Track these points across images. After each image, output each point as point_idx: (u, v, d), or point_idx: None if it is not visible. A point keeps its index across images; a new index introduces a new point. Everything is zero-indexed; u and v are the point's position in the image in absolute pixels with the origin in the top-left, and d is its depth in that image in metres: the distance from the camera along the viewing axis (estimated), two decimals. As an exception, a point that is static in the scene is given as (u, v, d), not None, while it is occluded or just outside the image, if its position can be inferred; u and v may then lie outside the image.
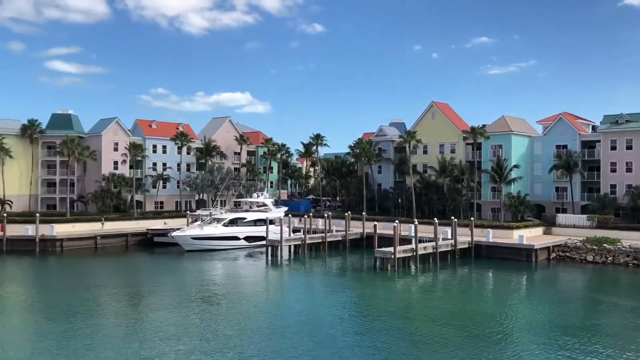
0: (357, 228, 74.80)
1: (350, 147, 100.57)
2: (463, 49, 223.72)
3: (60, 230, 71.15)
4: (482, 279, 54.53)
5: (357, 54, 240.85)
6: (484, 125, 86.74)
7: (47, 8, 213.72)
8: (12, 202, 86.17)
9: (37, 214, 73.70)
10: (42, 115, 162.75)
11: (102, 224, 76.34)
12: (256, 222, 74.34)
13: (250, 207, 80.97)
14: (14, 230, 69.74)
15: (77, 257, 65.32)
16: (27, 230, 69.52)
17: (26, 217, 75.90)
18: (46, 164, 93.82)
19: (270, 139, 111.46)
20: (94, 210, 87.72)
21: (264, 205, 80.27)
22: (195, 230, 71.93)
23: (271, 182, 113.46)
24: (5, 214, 74.36)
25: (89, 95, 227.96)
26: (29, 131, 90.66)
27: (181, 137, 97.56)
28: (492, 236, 64.61)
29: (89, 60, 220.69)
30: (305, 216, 72.93)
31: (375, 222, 66.15)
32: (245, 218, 74.87)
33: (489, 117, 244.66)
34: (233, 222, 73.47)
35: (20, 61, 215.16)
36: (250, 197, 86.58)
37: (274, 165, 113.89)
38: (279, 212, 78.35)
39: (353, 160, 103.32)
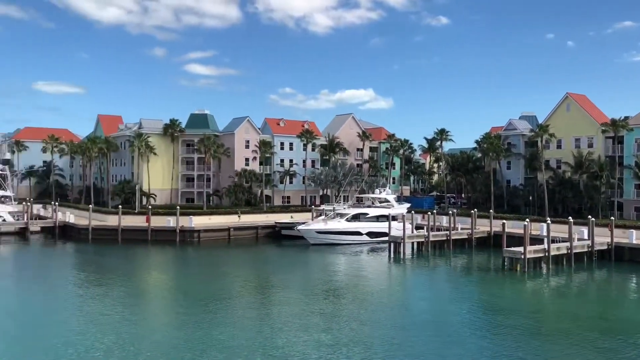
0: (483, 226, 72.25)
1: (477, 141, 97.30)
2: (603, 35, 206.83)
3: (198, 222, 76.37)
4: (624, 284, 50.20)
5: (484, 45, 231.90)
6: (626, 117, 79.70)
7: (186, 15, 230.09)
8: (155, 196, 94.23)
9: (178, 207, 79.81)
10: (182, 115, 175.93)
11: (239, 216, 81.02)
12: (378, 218, 74.61)
13: (373, 203, 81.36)
14: (158, 221, 76.11)
15: (213, 248, 69.91)
16: (169, 221, 75.54)
17: (168, 210, 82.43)
18: (185, 160, 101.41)
19: (393, 135, 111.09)
20: (228, 203, 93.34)
21: (387, 201, 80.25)
22: (320, 224, 73.81)
23: (393, 178, 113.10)
24: (150, 207, 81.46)
25: (223, 96, 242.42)
26: (171, 130, 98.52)
27: (306, 135, 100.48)
28: (636, 237, 59.23)
29: (223, 63, 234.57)
30: (429, 213, 71.88)
31: (504, 221, 63.47)
32: (367, 214, 75.45)
33: (632, 108, 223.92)
34: (356, 218, 74.35)
35: (162, 66, 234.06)
36: (373, 193, 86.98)
37: (397, 161, 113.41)
38: (402, 209, 77.94)
39: (480, 155, 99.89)
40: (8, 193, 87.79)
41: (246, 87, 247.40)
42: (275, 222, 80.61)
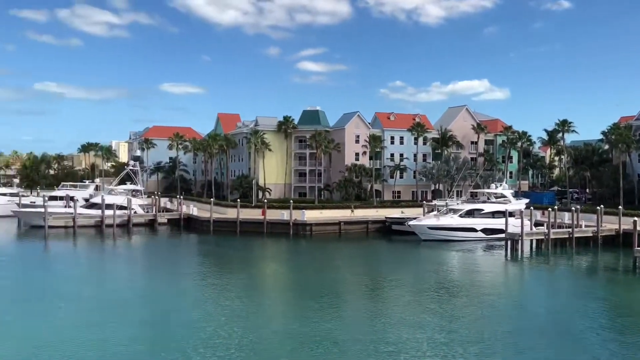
0: (611, 224, 67.06)
1: (603, 133, 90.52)
2: None
3: (310, 215, 78.14)
4: None
5: (610, 29, 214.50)
6: None
7: (299, 13, 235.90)
8: (271, 190, 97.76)
9: (291, 201, 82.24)
10: (295, 112, 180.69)
11: (352, 211, 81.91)
12: (494, 214, 71.84)
13: (488, 198, 78.50)
14: (273, 214, 78.94)
15: (324, 241, 71.30)
16: (283, 215, 78.04)
17: (282, 204, 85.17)
18: (298, 156, 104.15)
19: (510, 127, 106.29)
20: (338, 198, 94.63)
21: (503, 196, 77.05)
22: (432, 220, 72.55)
23: (510, 173, 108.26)
24: (265, 200, 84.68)
25: (334, 92, 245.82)
26: (284, 127, 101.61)
27: (417, 128, 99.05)
28: None
29: (334, 59, 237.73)
30: (549, 209, 68.01)
31: (635, 218, 58.52)
32: (482, 209, 72.93)
33: None
34: (470, 213, 72.19)
35: (276, 64, 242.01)
36: (488, 187, 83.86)
37: (514, 154, 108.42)
38: (520, 204, 74.46)
39: (607, 147, 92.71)
40: (139, 187, 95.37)
41: (356, 82, 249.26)
42: (386, 217, 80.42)
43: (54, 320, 32.88)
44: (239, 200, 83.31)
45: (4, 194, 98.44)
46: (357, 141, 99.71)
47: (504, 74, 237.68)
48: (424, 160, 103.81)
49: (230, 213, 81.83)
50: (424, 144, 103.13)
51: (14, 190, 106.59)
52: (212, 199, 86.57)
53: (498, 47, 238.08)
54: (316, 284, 44.89)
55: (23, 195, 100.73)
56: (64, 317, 33.72)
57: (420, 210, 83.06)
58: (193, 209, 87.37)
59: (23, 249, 66.61)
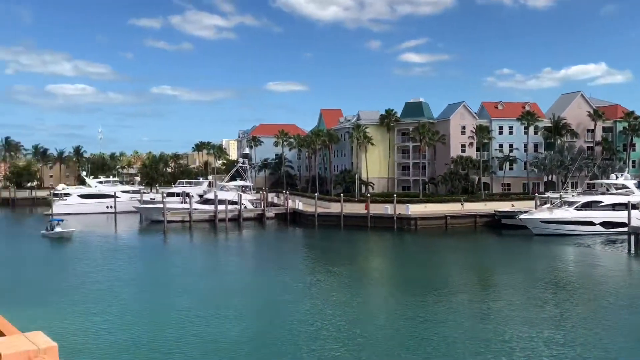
0: None
1: None
2: None
3: (414, 209, 77.19)
4: None
5: None
6: None
7: (401, 5, 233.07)
8: (373, 184, 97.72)
9: (394, 195, 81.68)
10: (397, 105, 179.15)
11: (462, 204, 79.92)
12: (615, 207, 66.84)
13: (608, 190, 73.16)
14: (376, 208, 78.81)
15: (429, 235, 70.10)
16: (387, 209, 77.76)
17: (385, 198, 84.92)
18: (401, 149, 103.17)
19: (632, 112, 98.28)
20: (444, 191, 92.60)
21: (625, 187, 71.43)
22: (545, 213, 68.88)
23: (633, 162, 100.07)
24: (368, 195, 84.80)
25: (437, 83, 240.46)
26: (386, 120, 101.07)
27: (527, 117, 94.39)
28: None
29: (437, 49, 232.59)
30: (680, 201, 62.15)
31: None
32: (601, 202, 68.11)
33: None
34: (587, 206, 67.70)
35: (377, 58, 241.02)
36: (607, 178, 78.16)
37: (637, 141, 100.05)
38: (644, 196, 68.74)
39: None
40: (248, 183, 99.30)
41: (460, 72, 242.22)
42: (495, 211, 77.47)
43: (173, 310, 35.01)
44: (342, 194, 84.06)
45: (127, 192, 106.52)
46: (462, 132, 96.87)
47: (624, 55, 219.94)
48: (535, 150, 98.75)
49: (334, 207, 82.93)
50: (535, 133, 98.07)
51: (136, 187, 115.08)
52: (316, 194, 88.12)
53: (617, 26, 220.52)
54: (422, 279, 44.32)
55: (144, 193, 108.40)
56: (181, 307, 35.87)
57: (531, 203, 79.17)
58: (299, 204, 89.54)
59: (145, 242, 71.82)
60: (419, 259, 55.82)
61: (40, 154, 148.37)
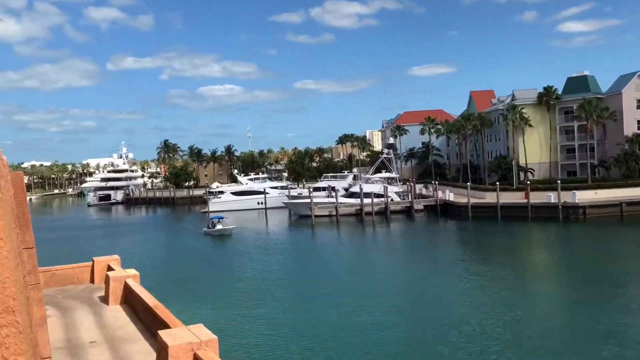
0: None
1: None
2: None
3: (582, 197, 69.21)
4: None
5: None
6: None
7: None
8: (533, 170, 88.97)
9: (558, 181, 73.52)
10: (556, 81, 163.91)
11: None
12: None
13: None
14: (537, 197, 71.61)
15: (602, 225, 62.22)
16: (549, 197, 70.20)
17: (547, 185, 77.02)
18: (564, 130, 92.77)
19: None
20: (617, 175, 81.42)
21: None
22: None
23: None
24: (528, 182, 77.22)
25: (604, 52, 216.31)
26: (546, 98, 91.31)
27: None
28: None
29: (603, 14, 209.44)
30: None
31: None
32: None
33: None
34: None
35: (532, 31, 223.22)
36: None
37: None
38: None
39: None
40: (394, 175, 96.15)
41: (635, 37, 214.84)
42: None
43: (327, 305, 33.78)
44: (497, 183, 77.94)
45: (276, 187, 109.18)
46: (639, 107, 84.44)
47: None
48: None
49: (489, 197, 77.12)
50: None
51: (284, 183, 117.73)
52: (468, 183, 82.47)
53: None
54: (594, 274, 39.22)
55: (291, 188, 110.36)
56: (336, 302, 34.44)
57: None
58: (449, 195, 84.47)
59: (295, 237, 71.95)
60: (590, 252, 49.43)
61: (195, 154, 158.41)
